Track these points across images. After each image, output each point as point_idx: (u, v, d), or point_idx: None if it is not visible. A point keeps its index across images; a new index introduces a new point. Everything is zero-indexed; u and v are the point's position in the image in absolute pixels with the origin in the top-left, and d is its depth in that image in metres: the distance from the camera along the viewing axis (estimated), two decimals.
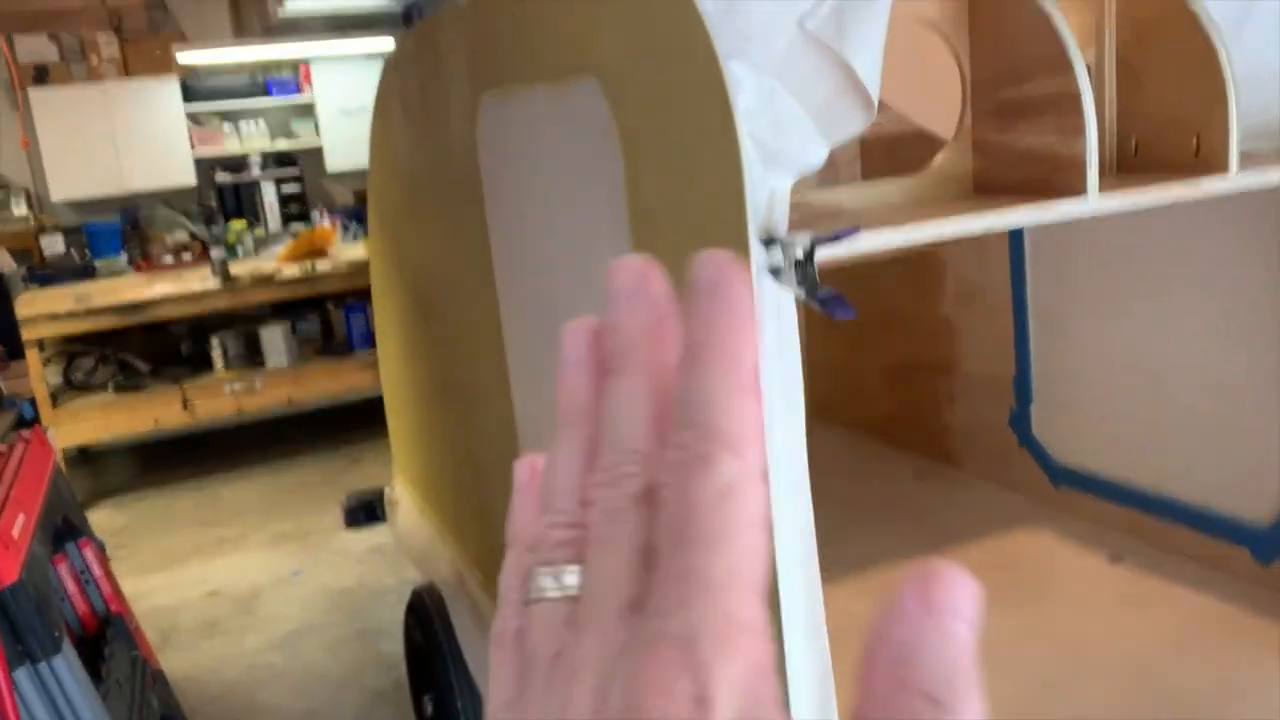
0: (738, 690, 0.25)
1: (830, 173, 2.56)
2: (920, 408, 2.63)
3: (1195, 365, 1.90)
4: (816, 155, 1.07)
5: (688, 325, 0.29)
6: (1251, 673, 1.62)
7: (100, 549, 2.59)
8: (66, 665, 1.94)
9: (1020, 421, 2.32)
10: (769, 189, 1.05)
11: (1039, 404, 2.28)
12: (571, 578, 0.29)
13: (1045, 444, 2.27)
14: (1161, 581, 1.89)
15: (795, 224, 1.16)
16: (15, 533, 1.93)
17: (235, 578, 4.26)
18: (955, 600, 0.26)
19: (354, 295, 5.80)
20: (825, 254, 1.04)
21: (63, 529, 2.44)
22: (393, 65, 2.25)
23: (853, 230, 0.96)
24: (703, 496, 0.27)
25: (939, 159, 1.39)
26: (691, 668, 0.25)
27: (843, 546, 2.11)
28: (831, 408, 2.95)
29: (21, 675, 1.89)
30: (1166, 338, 1.95)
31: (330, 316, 6.08)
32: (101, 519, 4.94)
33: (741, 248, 1.04)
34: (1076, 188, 1.24)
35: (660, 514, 0.28)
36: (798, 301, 1.08)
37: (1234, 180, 1.28)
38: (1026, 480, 2.31)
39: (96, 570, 2.49)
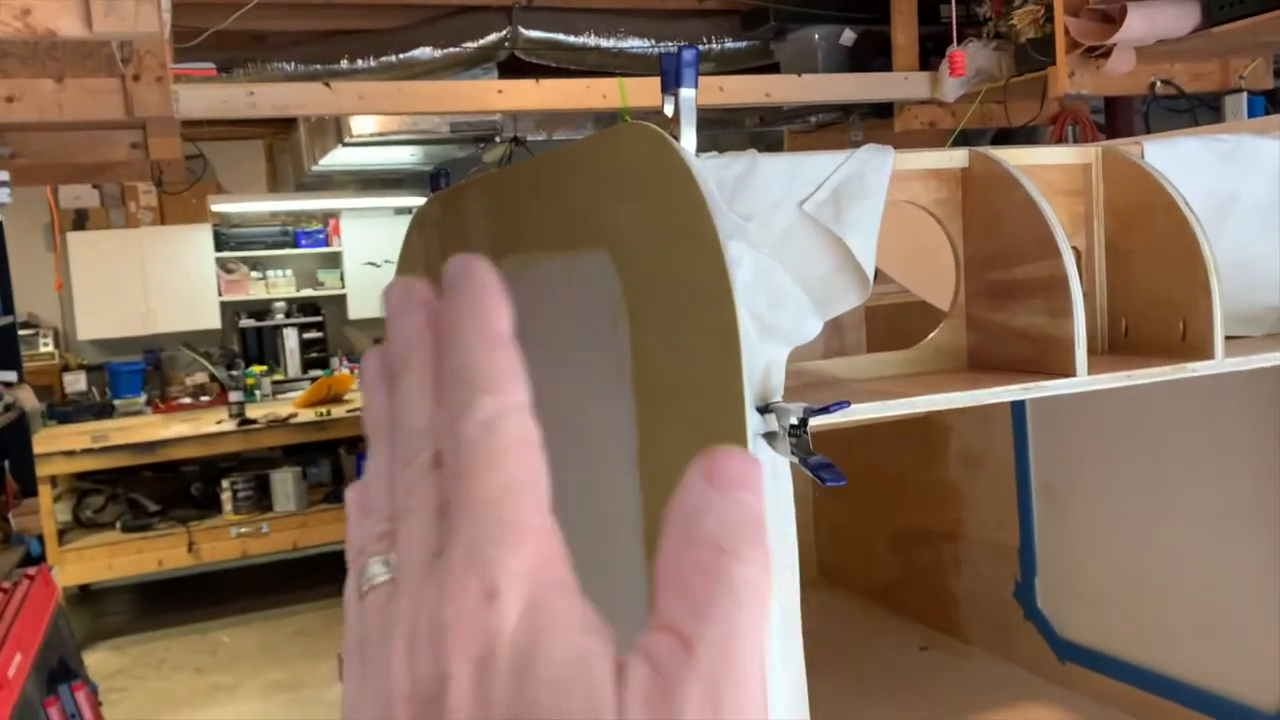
0: (523, 579, 0.27)
1: (836, 338, 2.63)
2: (925, 575, 2.61)
3: (1197, 545, 1.90)
4: (811, 328, 1.12)
5: (444, 316, 0.32)
6: None
7: (93, 693, 2.55)
8: None
9: (1025, 593, 2.30)
10: (765, 359, 1.10)
11: (1044, 576, 2.27)
12: (394, 559, 0.31)
13: (1051, 618, 2.25)
14: None
15: (794, 391, 1.20)
16: (10, 673, 1.93)
17: None
18: (738, 472, 0.28)
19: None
20: (821, 422, 1.08)
21: (58, 670, 2.42)
22: (417, 226, 2.35)
23: (843, 404, 1.00)
24: (469, 434, 0.29)
25: (935, 334, 1.45)
26: (477, 569, 0.28)
27: (843, 717, 2.07)
28: (838, 573, 2.93)
29: None
30: (1168, 516, 1.96)
31: (341, 461, 6.12)
32: (98, 661, 4.87)
33: (738, 414, 1.08)
34: (1067, 367, 1.29)
35: (444, 468, 0.30)
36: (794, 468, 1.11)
37: (1219, 365, 1.33)
38: (1032, 654, 2.27)
39: (88, 715, 2.45)
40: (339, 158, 5.62)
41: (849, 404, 1.02)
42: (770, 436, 1.08)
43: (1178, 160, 1.48)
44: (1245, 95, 3.36)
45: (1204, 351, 1.34)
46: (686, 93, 1.23)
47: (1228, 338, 1.38)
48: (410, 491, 0.31)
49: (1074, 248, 1.45)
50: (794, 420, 1.03)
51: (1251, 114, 3.29)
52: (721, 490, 0.28)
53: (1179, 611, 1.95)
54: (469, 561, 0.28)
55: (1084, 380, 1.28)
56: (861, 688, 2.27)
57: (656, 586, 0.28)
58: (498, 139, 5.13)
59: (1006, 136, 4.44)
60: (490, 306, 0.31)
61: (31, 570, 2.58)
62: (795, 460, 1.07)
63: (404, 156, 5.91)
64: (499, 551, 0.28)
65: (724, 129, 5.51)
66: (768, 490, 1.09)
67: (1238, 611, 1.84)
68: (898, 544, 2.74)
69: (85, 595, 5.90)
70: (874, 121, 4.78)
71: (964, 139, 4.28)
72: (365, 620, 0.31)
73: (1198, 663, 1.92)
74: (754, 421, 1.07)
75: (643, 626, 0.29)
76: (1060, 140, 4.00)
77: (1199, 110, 3.62)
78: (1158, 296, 1.41)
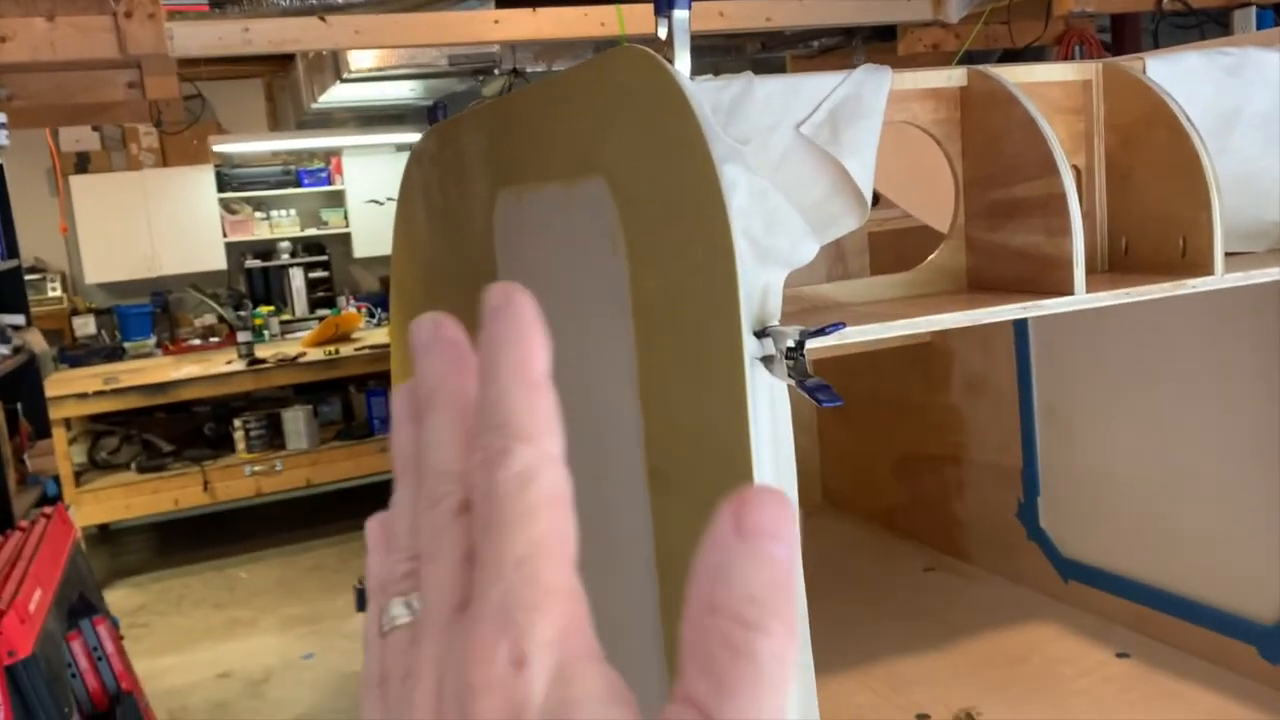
0: (552, 647, 0.27)
1: (839, 264, 2.62)
2: (930, 498, 2.64)
3: (1199, 463, 1.92)
4: (808, 251, 1.12)
5: (480, 348, 0.31)
6: None
7: (114, 626, 2.61)
8: None
9: (1028, 514, 2.33)
10: (762, 283, 1.10)
11: (1046, 497, 2.29)
12: (416, 602, 0.31)
13: (1053, 537, 2.28)
14: (1169, 678, 1.88)
15: (792, 315, 1.20)
16: (32, 607, 1.97)
17: (247, 660, 4.25)
18: (766, 521, 0.27)
19: (375, 379, 5.89)
20: (821, 344, 1.08)
21: (79, 605, 2.47)
22: (415, 160, 2.34)
23: (839, 325, 1.01)
24: (503, 485, 0.29)
25: (934, 256, 1.44)
26: (507, 634, 0.27)
27: (849, 639, 2.11)
28: (843, 498, 2.96)
29: None
30: (1168, 435, 1.97)
31: (351, 399, 6.16)
32: (119, 599, 4.96)
33: (735, 338, 1.08)
34: (1065, 286, 1.29)
35: (474, 514, 0.30)
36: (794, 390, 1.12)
37: (1219, 280, 1.32)
38: (1035, 574, 2.30)
39: (109, 647, 2.51)
40: (338, 94, 5.56)
41: (844, 325, 1.03)
42: (767, 360, 1.08)
43: (1180, 75, 1.46)
44: (1254, 9, 3.29)
45: (1204, 268, 1.34)
46: (679, 14, 1.22)
47: (1230, 254, 1.37)
48: (436, 535, 0.31)
49: (1074, 166, 1.44)
50: (790, 343, 1.04)
51: (1261, 27, 3.23)
52: (749, 544, 0.27)
53: (1179, 528, 1.97)
54: (498, 623, 0.27)
55: (1082, 298, 1.28)
56: (868, 610, 2.31)
57: (681, 652, 0.27)
58: (496, 71, 5.06)
59: (1012, 58, 4.37)
60: (532, 346, 0.30)
61: (48, 509, 2.62)
62: (792, 384, 1.07)
63: (403, 91, 5.84)
64: (530, 616, 0.27)
65: (725, 55, 5.43)
66: (765, 414, 1.10)
67: (1237, 527, 1.86)
68: (902, 468, 2.77)
69: (104, 535, 5.99)
70: (877, 45, 4.71)
71: (969, 61, 4.21)
72: (386, 660, 0.31)
73: (1198, 578, 1.94)
74: (750, 345, 1.08)
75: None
76: (1067, 60, 3.93)
77: (1207, 26, 3.55)
78: (1158, 213, 1.41)
